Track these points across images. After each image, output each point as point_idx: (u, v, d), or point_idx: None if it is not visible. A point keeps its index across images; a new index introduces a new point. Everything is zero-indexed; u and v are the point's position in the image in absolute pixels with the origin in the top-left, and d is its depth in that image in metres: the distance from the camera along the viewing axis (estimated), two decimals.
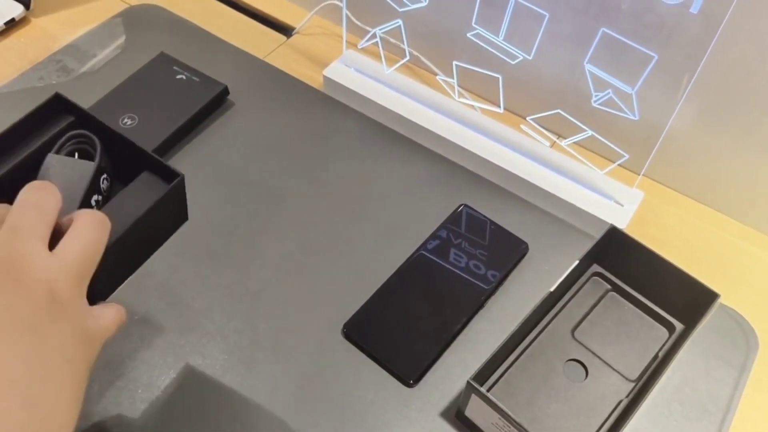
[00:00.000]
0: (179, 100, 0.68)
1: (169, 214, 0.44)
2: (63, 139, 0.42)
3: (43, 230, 0.34)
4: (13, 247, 0.32)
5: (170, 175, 0.42)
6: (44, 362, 0.30)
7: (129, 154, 0.43)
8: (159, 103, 0.68)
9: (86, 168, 0.41)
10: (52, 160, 0.40)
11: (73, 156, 0.42)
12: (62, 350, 0.31)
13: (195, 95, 0.69)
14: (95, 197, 0.42)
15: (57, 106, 0.43)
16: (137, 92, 0.69)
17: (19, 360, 0.29)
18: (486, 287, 0.57)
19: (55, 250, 0.33)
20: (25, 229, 0.33)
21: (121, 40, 0.77)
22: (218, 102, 0.70)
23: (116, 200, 0.41)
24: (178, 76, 0.71)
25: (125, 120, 0.66)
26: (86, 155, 0.43)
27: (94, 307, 0.36)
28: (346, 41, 0.72)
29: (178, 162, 0.66)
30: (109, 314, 0.36)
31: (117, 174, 0.44)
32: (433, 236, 0.60)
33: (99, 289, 0.38)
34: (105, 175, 0.42)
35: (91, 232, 0.35)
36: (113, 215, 0.38)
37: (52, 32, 0.79)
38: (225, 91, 0.70)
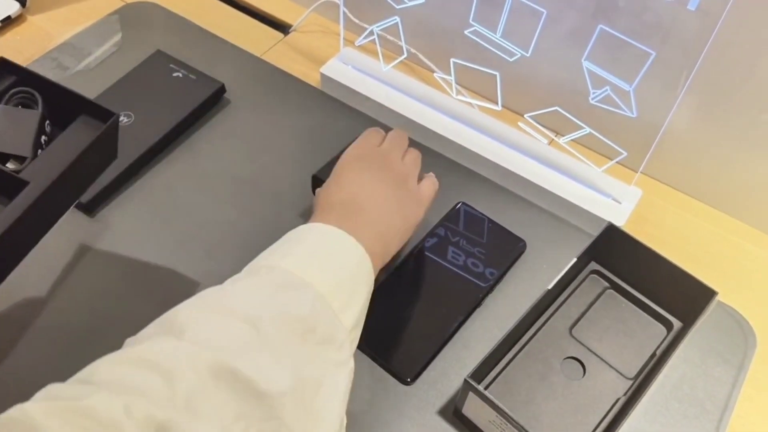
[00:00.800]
0: (176, 98, 0.68)
1: (104, 151, 0.50)
2: (8, 95, 0.49)
3: None
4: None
5: (106, 116, 0.48)
6: (404, 205, 0.50)
7: (70, 102, 0.49)
8: (155, 101, 0.68)
9: (32, 115, 0.49)
10: (2, 110, 0.48)
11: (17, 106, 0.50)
12: (409, 201, 0.51)
13: (192, 93, 0.69)
14: (43, 137, 0.49)
15: (2, 68, 0.50)
16: (134, 90, 0.69)
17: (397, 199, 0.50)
18: (484, 285, 0.57)
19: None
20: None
21: (118, 37, 0.76)
22: (215, 100, 0.70)
23: (60, 138, 0.48)
24: (175, 74, 0.70)
25: (122, 118, 0.66)
26: (28, 106, 0.50)
27: (420, 183, 0.53)
28: (344, 39, 0.72)
29: (175, 159, 0.66)
30: (427, 186, 0.53)
31: (63, 122, 0.49)
32: (431, 234, 0.60)
33: (43, 222, 0.45)
34: (48, 121, 0.50)
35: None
36: (58, 151, 0.46)
37: (48, 30, 0.79)
38: (222, 89, 0.70)
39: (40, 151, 0.48)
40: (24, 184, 0.43)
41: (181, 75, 0.70)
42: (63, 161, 0.44)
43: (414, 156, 0.55)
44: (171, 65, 0.71)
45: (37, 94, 0.50)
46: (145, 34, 0.77)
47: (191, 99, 0.68)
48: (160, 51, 0.73)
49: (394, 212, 0.49)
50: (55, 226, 0.47)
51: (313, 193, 0.62)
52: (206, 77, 0.70)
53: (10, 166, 0.48)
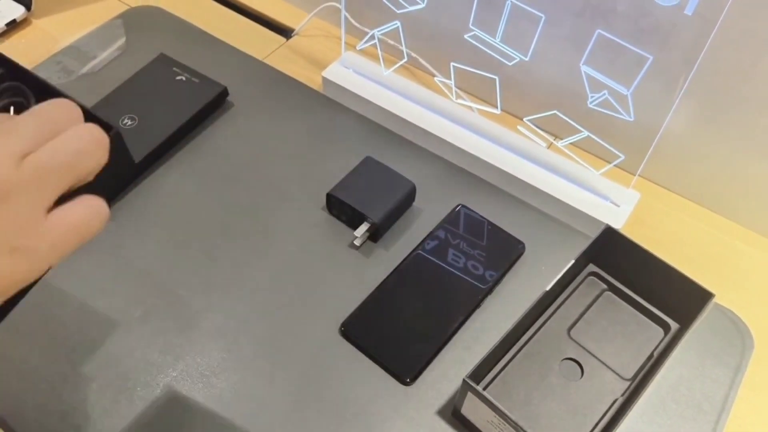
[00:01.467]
0: (179, 101, 0.69)
1: (112, 168, 0.45)
2: None
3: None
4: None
5: (106, 128, 0.42)
6: None
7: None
8: (159, 104, 0.69)
9: None
10: None
11: (8, 109, 0.41)
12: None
13: (195, 96, 0.69)
14: None
15: None
16: (137, 93, 0.70)
17: None
18: (483, 287, 0.57)
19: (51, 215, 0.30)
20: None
21: (122, 41, 0.77)
22: (218, 103, 0.71)
23: None
24: (178, 78, 0.71)
25: (125, 121, 0.66)
26: (22, 107, 0.41)
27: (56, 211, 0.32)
28: (345, 43, 0.73)
29: (178, 162, 0.66)
30: (69, 217, 0.32)
31: None
32: (431, 236, 0.60)
33: None
34: None
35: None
36: None
37: (53, 33, 0.80)
38: (224, 93, 0.71)
39: None
40: None
41: (184, 78, 0.71)
42: None
43: (65, 148, 0.31)
44: (174, 69, 0.72)
45: (30, 93, 0.42)
46: (149, 37, 0.78)
47: (194, 102, 0.69)
48: (164, 55, 0.73)
49: None
50: None
51: (329, 212, 0.62)
52: (209, 81, 0.71)
53: None
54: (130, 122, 0.67)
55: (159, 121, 0.67)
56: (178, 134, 0.67)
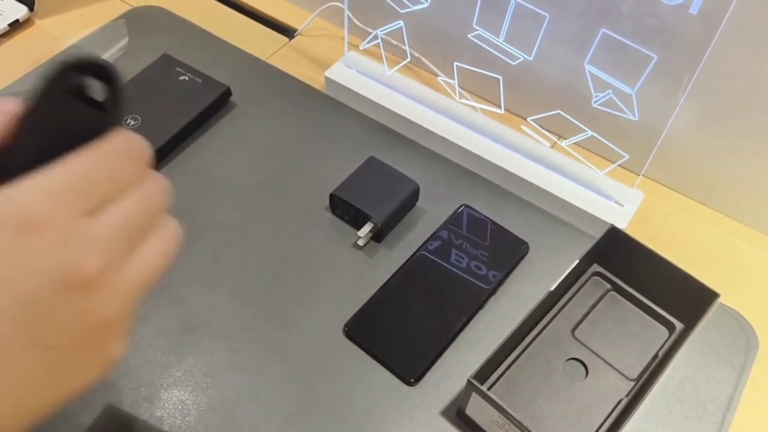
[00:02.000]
0: (182, 102, 0.69)
1: None
2: None
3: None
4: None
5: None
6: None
7: None
8: (162, 105, 0.68)
9: None
10: None
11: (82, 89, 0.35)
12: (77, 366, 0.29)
13: (198, 96, 0.69)
14: None
15: None
16: (140, 93, 0.70)
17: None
18: (486, 287, 0.57)
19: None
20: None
21: (124, 41, 0.77)
22: (221, 103, 0.71)
23: None
24: (181, 78, 0.71)
25: (128, 121, 0.66)
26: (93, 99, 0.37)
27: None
28: (348, 43, 0.73)
29: (181, 163, 0.66)
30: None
31: None
32: (434, 236, 0.60)
33: None
34: None
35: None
36: None
37: (56, 34, 0.80)
38: (227, 93, 0.71)
39: None
40: None
41: (187, 78, 0.71)
42: None
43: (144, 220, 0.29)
44: (177, 69, 0.72)
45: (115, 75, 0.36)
46: (152, 38, 0.78)
47: (197, 102, 0.69)
48: (167, 55, 0.73)
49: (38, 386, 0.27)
50: None
51: (333, 212, 0.62)
52: (212, 81, 0.71)
53: None
54: (133, 122, 0.67)
55: (162, 122, 0.67)
56: (181, 134, 0.67)
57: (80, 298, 0.26)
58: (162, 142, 0.65)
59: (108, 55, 0.75)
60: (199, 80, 0.71)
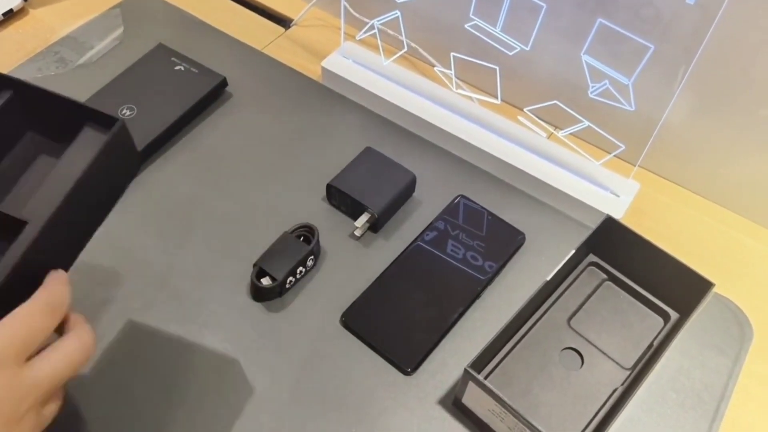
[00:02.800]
0: (178, 92, 0.69)
1: (118, 165, 0.45)
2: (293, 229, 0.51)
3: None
4: None
5: (109, 121, 0.43)
6: None
7: (65, 111, 0.43)
8: (157, 95, 0.68)
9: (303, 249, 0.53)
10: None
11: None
12: None
13: (193, 87, 0.69)
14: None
15: None
16: (136, 83, 0.69)
17: None
18: (483, 278, 0.57)
19: (32, 362, 0.36)
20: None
21: (119, 31, 0.77)
22: (216, 93, 0.71)
23: (64, 158, 0.42)
24: (177, 68, 0.71)
25: (124, 111, 0.66)
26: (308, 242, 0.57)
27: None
28: (344, 33, 0.73)
29: (177, 152, 0.66)
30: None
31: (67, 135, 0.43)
32: (431, 227, 0.60)
33: (59, 258, 0.40)
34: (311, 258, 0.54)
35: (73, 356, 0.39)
36: (61, 172, 0.41)
37: (50, 24, 0.79)
38: (223, 83, 0.71)
39: (291, 279, 0.54)
40: (23, 224, 0.38)
41: (182, 68, 0.70)
42: (61, 188, 0.39)
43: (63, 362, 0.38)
44: (173, 59, 0.71)
45: (316, 230, 0.57)
46: (147, 27, 0.77)
47: (193, 93, 0.68)
48: (162, 44, 0.73)
49: None
50: None
51: (330, 203, 0.62)
52: (208, 71, 0.70)
53: (263, 282, 0.55)
54: (128, 113, 0.66)
55: (158, 112, 0.67)
56: (177, 124, 0.67)
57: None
58: (158, 132, 0.65)
59: (103, 45, 0.75)
60: (195, 70, 0.70)
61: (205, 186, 0.64)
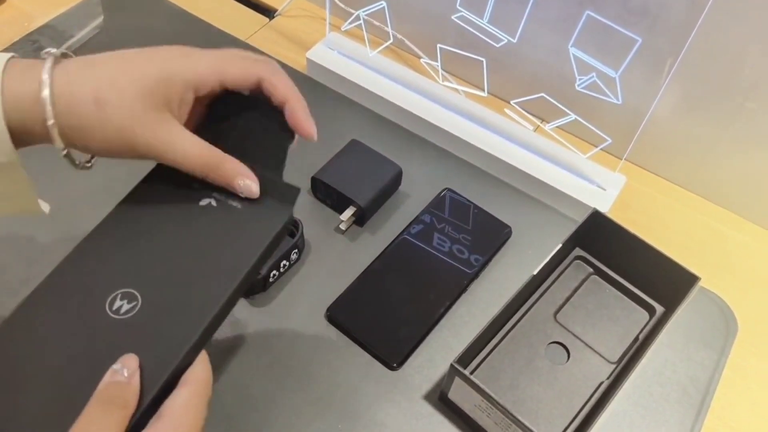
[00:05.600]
0: None
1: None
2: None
3: None
4: None
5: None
6: None
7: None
8: None
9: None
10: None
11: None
12: None
13: None
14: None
15: None
16: None
17: None
18: (469, 271, 0.57)
19: None
20: None
21: (99, 20, 0.75)
22: None
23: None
24: None
25: None
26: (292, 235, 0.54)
27: None
28: (330, 23, 0.72)
29: None
30: None
31: None
32: (417, 221, 0.60)
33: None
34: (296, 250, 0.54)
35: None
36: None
37: (29, 12, 0.77)
38: None
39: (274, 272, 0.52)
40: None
41: None
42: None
43: None
44: None
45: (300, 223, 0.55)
46: (127, 16, 0.76)
47: None
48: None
49: None
50: None
51: (315, 196, 0.61)
52: None
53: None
54: None
55: None
56: None
57: None
58: None
59: (82, 34, 0.73)
60: None
61: None
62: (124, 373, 0.32)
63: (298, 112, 0.41)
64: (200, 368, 0.34)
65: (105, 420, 0.30)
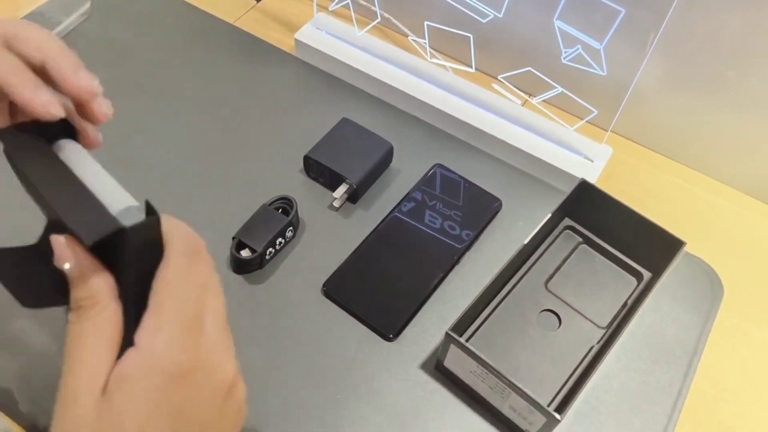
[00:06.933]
0: None
1: None
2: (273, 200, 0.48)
3: None
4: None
5: None
6: None
7: None
8: None
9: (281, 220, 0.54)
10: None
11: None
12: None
13: None
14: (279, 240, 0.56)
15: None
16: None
17: None
18: (460, 246, 0.58)
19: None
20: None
21: (86, 6, 0.75)
22: None
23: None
24: None
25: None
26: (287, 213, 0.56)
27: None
28: (317, 4, 0.72)
29: (156, 125, 0.65)
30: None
31: None
32: (408, 198, 0.61)
33: None
34: (291, 228, 0.57)
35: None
36: None
37: None
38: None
39: (271, 250, 0.55)
40: None
41: None
42: None
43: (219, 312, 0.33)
44: None
45: (294, 201, 0.57)
46: (114, 2, 0.76)
47: None
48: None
49: None
50: None
51: (307, 174, 0.62)
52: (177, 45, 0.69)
53: (243, 254, 0.55)
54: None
55: None
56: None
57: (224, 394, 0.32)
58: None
59: (70, 21, 0.73)
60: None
61: (182, 162, 0.63)
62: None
63: (61, 67, 0.31)
64: (175, 233, 0.32)
65: None
